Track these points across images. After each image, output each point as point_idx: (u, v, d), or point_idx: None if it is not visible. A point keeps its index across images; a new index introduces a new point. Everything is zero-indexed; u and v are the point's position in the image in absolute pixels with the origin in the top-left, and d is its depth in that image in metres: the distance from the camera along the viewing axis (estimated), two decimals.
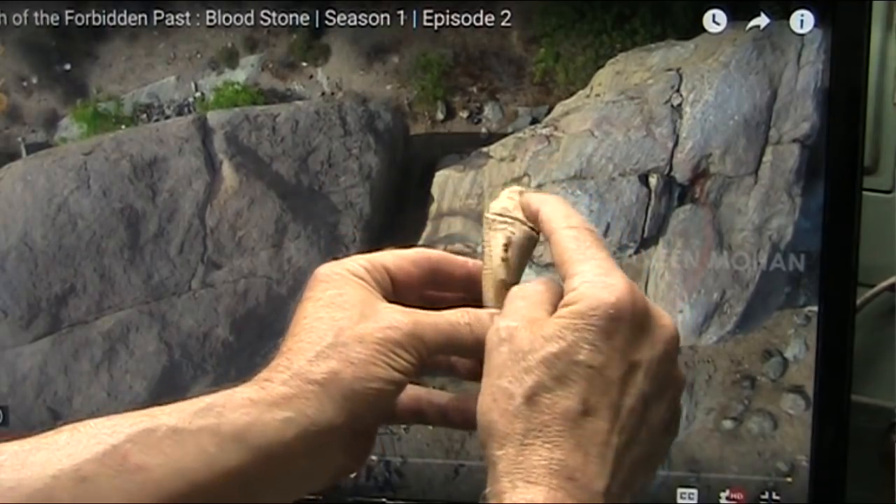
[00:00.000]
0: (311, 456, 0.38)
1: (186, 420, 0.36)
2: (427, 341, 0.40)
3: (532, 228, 0.44)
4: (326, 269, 0.42)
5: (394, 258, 0.44)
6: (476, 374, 0.42)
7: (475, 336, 0.41)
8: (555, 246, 0.41)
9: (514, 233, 0.44)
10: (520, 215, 0.45)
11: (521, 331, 0.38)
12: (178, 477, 0.35)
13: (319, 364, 0.38)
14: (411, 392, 0.44)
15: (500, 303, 0.43)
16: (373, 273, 0.43)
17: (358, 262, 0.43)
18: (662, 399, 0.39)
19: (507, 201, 0.45)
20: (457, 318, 0.42)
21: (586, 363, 0.37)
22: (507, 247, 0.44)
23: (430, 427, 0.74)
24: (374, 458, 0.75)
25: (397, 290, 0.44)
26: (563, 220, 0.41)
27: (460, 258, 0.45)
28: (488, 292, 0.44)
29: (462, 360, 0.45)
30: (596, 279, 0.38)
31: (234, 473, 0.36)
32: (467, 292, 0.44)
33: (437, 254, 0.45)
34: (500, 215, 0.45)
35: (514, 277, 0.44)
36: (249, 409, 0.37)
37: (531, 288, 0.41)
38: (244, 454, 0.36)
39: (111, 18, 0.73)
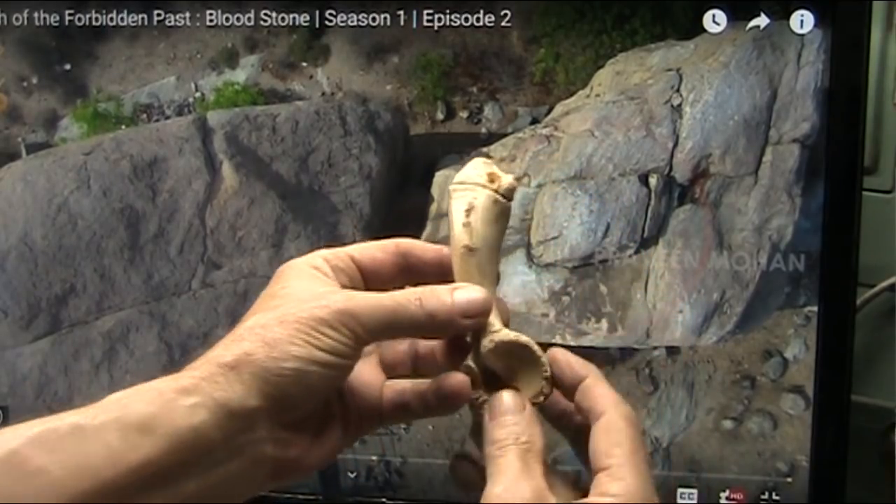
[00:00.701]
0: (230, 444, 0.36)
1: (89, 416, 0.34)
2: (363, 319, 0.38)
3: (501, 194, 0.42)
4: (284, 266, 0.41)
5: (361, 247, 0.43)
6: (434, 361, 0.42)
7: (427, 311, 0.39)
8: (599, 432, 0.39)
9: (476, 197, 0.42)
10: (483, 181, 0.42)
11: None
12: (81, 475, 0.33)
13: (232, 347, 0.37)
14: (397, 387, 0.43)
15: (464, 273, 0.41)
16: (333, 262, 0.41)
17: (319, 254, 0.41)
18: None
19: (470, 171, 0.43)
20: (405, 294, 0.40)
21: None
22: (468, 211, 0.41)
23: (431, 427, 0.74)
24: (374, 458, 0.75)
25: (369, 280, 0.42)
26: (615, 406, 0.39)
27: (433, 245, 0.44)
28: (455, 264, 0.42)
29: (424, 351, 0.43)
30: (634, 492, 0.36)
31: (141, 465, 0.34)
32: (442, 278, 0.42)
33: (407, 241, 0.44)
34: (462, 183, 0.42)
35: (479, 242, 0.41)
36: (155, 398, 0.35)
37: (527, 449, 0.39)
38: (151, 445, 0.34)
39: (111, 18, 0.73)
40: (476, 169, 0.43)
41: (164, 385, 0.35)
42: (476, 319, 0.40)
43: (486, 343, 0.41)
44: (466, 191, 0.42)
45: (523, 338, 0.41)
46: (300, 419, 0.39)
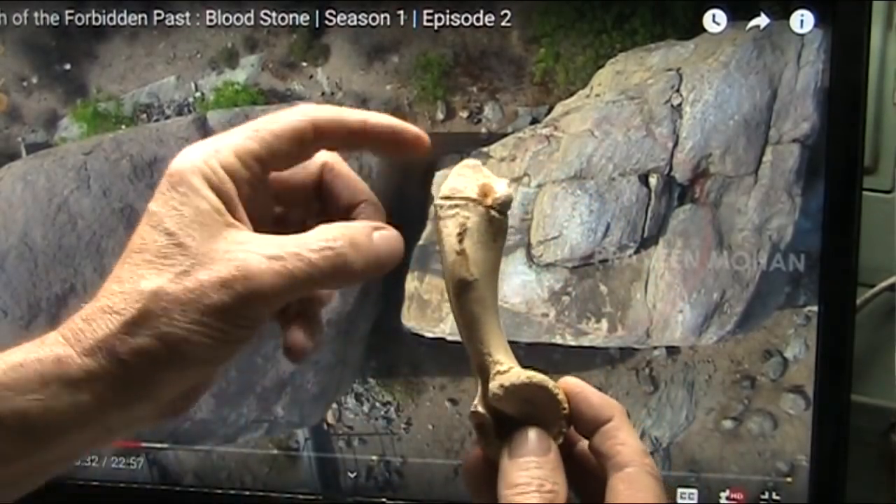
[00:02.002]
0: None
1: None
2: (272, 299, 0.33)
3: (497, 210, 0.35)
4: (178, 173, 0.34)
5: (261, 138, 0.35)
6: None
7: (348, 266, 0.34)
8: (620, 484, 0.34)
9: (468, 216, 0.35)
10: (474, 194, 0.35)
11: None
12: None
13: (128, 340, 0.33)
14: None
15: (461, 310, 0.35)
16: (236, 176, 0.35)
17: (220, 165, 0.34)
18: None
19: (458, 181, 0.36)
20: (320, 247, 0.34)
21: None
22: (461, 236, 0.35)
23: (431, 427, 0.74)
24: (374, 458, 0.75)
25: (278, 184, 0.37)
26: (640, 457, 0.35)
27: (353, 111, 0.37)
28: (451, 300, 0.36)
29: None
30: None
31: None
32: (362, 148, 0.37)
33: (318, 114, 0.37)
34: (449, 198, 0.36)
35: (477, 272, 0.35)
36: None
37: (551, 500, 0.34)
38: None
39: (111, 18, 0.73)
40: (464, 179, 0.36)
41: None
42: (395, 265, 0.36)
43: (495, 388, 0.36)
44: (456, 208, 0.35)
45: (537, 377, 0.36)
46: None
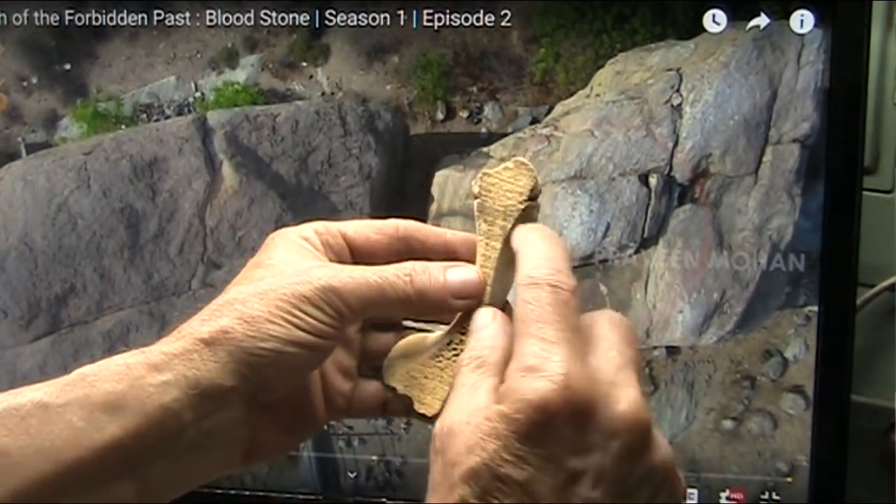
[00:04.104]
0: (202, 424, 0.34)
1: (54, 394, 0.33)
2: (346, 296, 0.35)
3: (529, 197, 0.38)
4: (275, 234, 0.39)
5: (356, 225, 0.40)
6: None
7: (417, 288, 0.37)
8: (515, 305, 0.35)
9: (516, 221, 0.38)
10: (520, 188, 0.38)
11: (452, 437, 0.32)
12: (43, 457, 0.31)
13: (210, 322, 0.35)
14: (376, 383, 0.40)
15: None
16: (324, 236, 0.39)
17: (311, 226, 0.39)
18: (634, 496, 0.32)
19: (504, 177, 0.39)
20: (394, 270, 0.37)
21: (510, 478, 0.30)
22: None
23: (431, 427, 0.74)
24: (374, 458, 0.75)
25: (360, 259, 0.39)
26: (529, 270, 0.35)
27: (437, 228, 0.41)
28: (494, 299, 0.38)
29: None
30: (528, 367, 0.32)
31: (107, 447, 0.32)
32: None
33: (407, 223, 0.40)
34: (489, 191, 0.38)
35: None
36: (123, 375, 0.33)
37: (477, 365, 0.34)
38: (117, 425, 0.32)
39: (111, 18, 0.73)
40: (510, 174, 0.39)
41: (134, 360, 0.34)
42: (468, 301, 0.37)
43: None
44: (510, 215, 0.38)
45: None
46: (276, 400, 0.37)
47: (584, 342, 0.34)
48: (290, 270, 0.36)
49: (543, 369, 0.32)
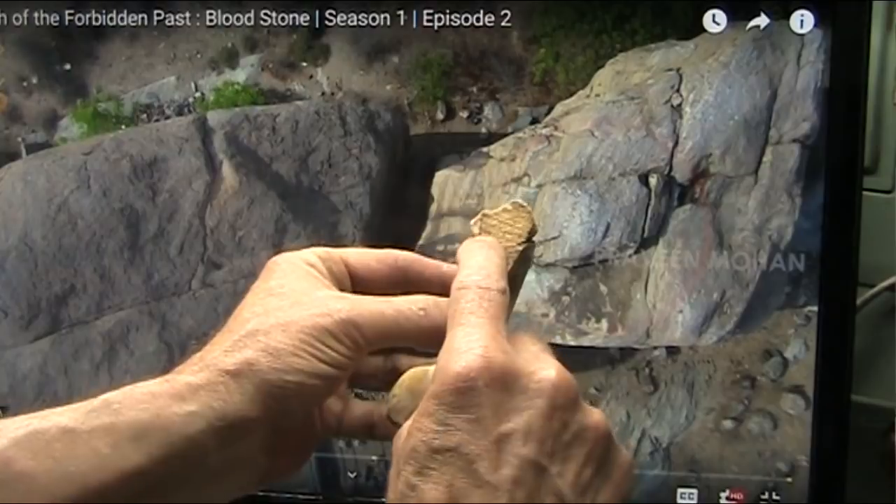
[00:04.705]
0: (224, 453, 0.35)
1: (79, 420, 0.33)
2: (364, 329, 0.37)
3: (527, 239, 0.41)
4: (278, 258, 0.40)
5: (356, 253, 0.41)
6: None
7: (432, 322, 0.38)
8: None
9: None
10: (518, 230, 0.41)
11: (399, 436, 0.34)
12: (68, 482, 0.32)
13: (234, 354, 0.35)
14: (365, 405, 0.42)
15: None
16: (328, 263, 0.40)
17: (314, 251, 0.40)
18: (569, 458, 0.34)
19: (500, 219, 0.41)
20: (408, 304, 0.38)
21: (443, 447, 0.32)
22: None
23: None
24: (374, 458, 0.75)
25: (358, 287, 0.40)
26: (462, 277, 0.38)
27: (434, 261, 0.42)
28: None
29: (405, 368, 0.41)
30: (452, 350, 0.34)
31: (132, 474, 0.32)
32: (441, 296, 0.40)
33: (406, 254, 0.42)
34: (488, 232, 0.41)
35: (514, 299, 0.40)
36: (149, 403, 0.33)
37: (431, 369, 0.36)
38: (142, 454, 0.33)
39: (111, 18, 0.73)
40: (503, 216, 0.41)
41: (159, 389, 0.34)
42: None
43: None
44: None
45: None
46: (292, 428, 0.37)
47: (509, 341, 0.36)
48: (306, 301, 0.37)
49: (465, 346, 0.34)
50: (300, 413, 0.37)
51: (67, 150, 0.75)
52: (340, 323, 0.36)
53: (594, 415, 0.35)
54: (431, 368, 0.37)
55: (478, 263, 0.38)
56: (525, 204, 0.41)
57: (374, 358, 0.42)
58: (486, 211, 0.41)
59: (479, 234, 0.41)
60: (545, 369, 0.34)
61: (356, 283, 0.41)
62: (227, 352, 0.36)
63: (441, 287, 0.40)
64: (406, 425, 0.34)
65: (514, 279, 0.40)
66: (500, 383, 0.33)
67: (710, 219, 0.70)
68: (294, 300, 0.37)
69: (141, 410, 0.33)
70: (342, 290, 0.40)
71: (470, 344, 0.34)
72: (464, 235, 0.73)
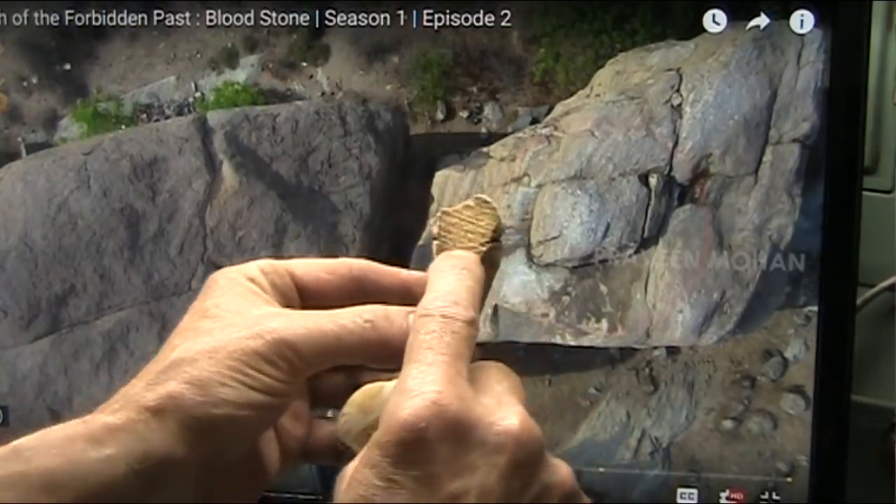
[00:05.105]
0: (151, 498, 0.31)
1: None
2: (301, 349, 0.33)
3: (492, 238, 0.36)
4: (217, 274, 0.36)
5: (304, 264, 0.37)
6: None
7: (381, 335, 0.34)
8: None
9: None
10: (482, 228, 0.36)
11: (340, 482, 0.31)
12: None
13: (156, 388, 0.31)
14: (331, 427, 0.38)
15: None
16: (271, 276, 0.36)
17: (257, 265, 0.36)
18: None
19: (459, 217, 0.37)
20: (351, 317, 0.34)
21: None
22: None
23: None
24: None
25: (309, 301, 0.37)
26: (426, 302, 0.34)
27: (392, 268, 0.38)
28: None
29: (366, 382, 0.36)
30: (402, 391, 0.30)
31: None
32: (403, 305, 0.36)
33: (360, 262, 0.38)
34: (449, 231, 0.37)
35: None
36: (63, 449, 0.30)
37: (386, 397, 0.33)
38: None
39: (111, 18, 0.73)
40: (465, 213, 0.37)
41: (75, 431, 0.30)
42: None
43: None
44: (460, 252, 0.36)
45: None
46: (230, 464, 0.33)
47: (472, 378, 0.33)
48: (239, 321, 0.33)
49: (416, 389, 0.30)
50: (237, 447, 0.33)
51: (67, 150, 0.75)
52: (272, 344, 0.32)
53: (559, 471, 0.32)
54: (390, 384, 0.34)
55: (446, 287, 0.34)
56: (489, 200, 0.37)
57: (335, 375, 0.38)
58: (445, 208, 0.37)
59: (439, 233, 0.37)
60: (507, 418, 0.30)
61: (305, 297, 0.37)
62: (149, 386, 0.32)
63: (401, 296, 0.36)
64: (349, 468, 0.31)
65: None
66: (454, 434, 0.29)
67: (710, 219, 0.70)
68: (228, 322, 0.33)
69: (54, 457, 0.30)
70: (289, 305, 0.36)
71: (422, 386, 0.30)
72: None
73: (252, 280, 0.36)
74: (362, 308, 0.35)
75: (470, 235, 0.37)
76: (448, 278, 0.35)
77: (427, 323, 0.33)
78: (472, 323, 0.33)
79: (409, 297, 0.36)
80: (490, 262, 0.36)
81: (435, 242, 0.37)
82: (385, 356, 0.34)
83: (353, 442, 0.34)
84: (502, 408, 0.31)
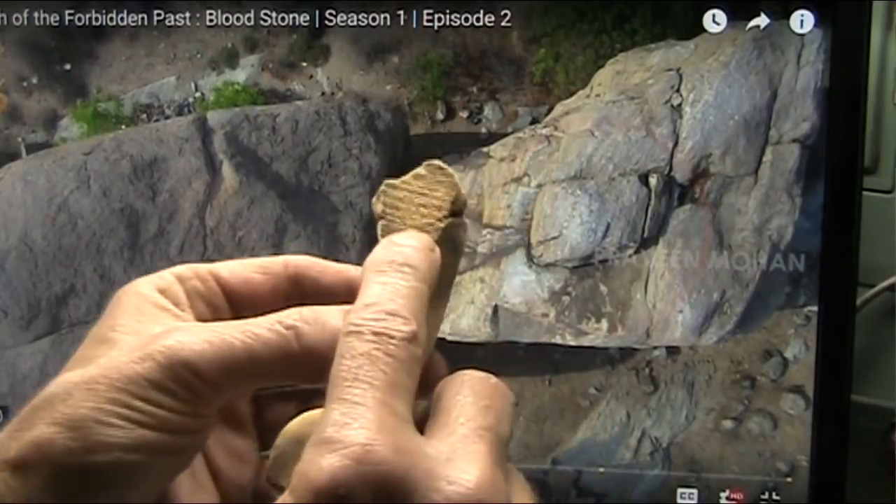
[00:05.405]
0: None
1: None
2: (203, 370, 0.26)
3: (451, 213, 0.29)
4: (122, 290, 0.30)
5: (232, 266, 0.31)
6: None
7: (309, 346, 0.27)
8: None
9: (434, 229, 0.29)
10: (437, 200, 0.29)
11: None
12: None
13: (21, 434, 0.25)
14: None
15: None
16: (189, 283, 0.30)
17: (171, 271, 0.31)
18: None
19: (414, 185, 0.30)
20: (270, 323, 0.27)
21: None
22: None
23: None
24: None
25: (239, 308, 0.30)
26: (355, 311, 0.26)
27: (338, 264, 0.31)
28: None
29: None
30: (321, 440, 0.23)
31: None
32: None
33: (300, 258, 0.31)
34: (396, 207, 0.29)
35: (436, 289, 0.28)
36: None
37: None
38: None
39: (111, 18, 0.73)
40: (424, 180, 0.30)
41: None
42: None
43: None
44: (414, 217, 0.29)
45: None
46: None
47: (435, 411, 0.26)
48: (133, 343, 0.27)
49: (338, 440, 0.23)
50: (133, 500, 0.26)
51: (67, 150, 0.75)
52: (165, 367, 0.26)
53: None
54: None
55: (380, 291, 0.26)
56: (444, 165, 0.30)
57: (285, 405, 0.31)
58: (390, 180, 0.30)
59: (384, 212, 0.30)
60: (455, 483, 0.23)
61: (236, 304, 0.31)
62: (13, 433, 0.25)
63: (348, 298, 0.28)
64: None
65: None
66: (386, 501, 0.23)
67: (710, 219, 0.70)
68: (123, 345, 0.27)
69: None
70: (216, 317, 0.30)
71: (344, 435, 0.23)
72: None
73: (163, 291, 0.30)
74: (286, 312, 0.27)
75: (423, 210, 0.29)
76: (383, 278, 0.27)
77: (353, 344, 0.25)
78: (414, 339, 0.26)
79: (356, 298, 0.28)
80: (451, 244, 0.29)
81: (380, 223, 0.30)
82: (318, 372, 0.26)
83: (286, 481, 0.25)
84: (457, 460, 0.24)
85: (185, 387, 0.26)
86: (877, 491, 0.73)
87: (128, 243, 0.74)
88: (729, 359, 0.72)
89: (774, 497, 0.71)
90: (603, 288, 0.71)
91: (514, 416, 0.27)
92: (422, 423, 0.26)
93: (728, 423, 0.72)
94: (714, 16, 0.68)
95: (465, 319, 0.72)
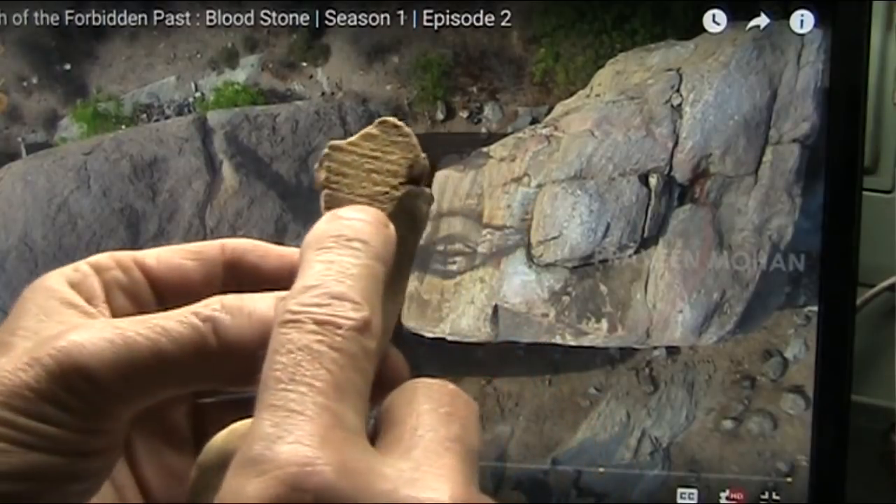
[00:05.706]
0: None
1: None
2: (96, 372, 0.21)
3: (408, 178, 0.24)
4: (30, 287, 0.25)
5: (161, 252, 0.27)
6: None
7: (230, 342, 0.22)
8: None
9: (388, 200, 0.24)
10: (392, 165, 0.24)
11: None
12: None
13: None
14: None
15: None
16: (110, 274, 0.26)
17: (89, 262, 0.26)
18: None
19: (363, 144, 0.24)
20: (181, 315, 0.23)
21: None
22: None
23: None
24: None
25: (168, 298, 0.26)
26: (292, 296, 0.21)
27: (280, 248, 0.27)
28: None
29: None
30: (248, 459, 0.19)
31: None
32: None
33: (239, 241, 0.27)
34: (343, 174, 0.24)
35: (391, 267, 0.24)
36: None
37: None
38: None
39: (111, 18, 0.73)
40: (374, 140, 0.25)
41: None
42: None
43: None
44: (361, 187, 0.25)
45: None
46: None
47: (385, 425, 0.21)
48: (28, 348, 0.23)
49: (268, 460, 0.18)
50: None
51: (67, 150, 0.75)
52: (54, 374, 0.21)
53: None
54: None
55: (323, 270, 0.22)
56: (400, 123, 0.25)
57: (231, 416, 0.25)
58: (335, 142, 0.25)
59: (327, 180, 0.24)
60: (434, 492, 0.19)
61: (162, 294, 0.26)
62: None
63: (288, 280, 0.23)
64: None
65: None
66: None
67: (710, 219, 0.70)
68: (20, 350, 0.23)
69: None
70: (140, 310, 0.25)
71: (276, 453, 0.18)
72: (464, 235, 0.73)
73: (76, 285, 0.25)
74: (206, 301, 0.23)
75: (375, 177, 0.24)
76: (327, 255, 0.22)
77: (289, 336, 0.20)
78: (366, 327, 0.21)
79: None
80: (409, 217, 0.25)
81: (323, 194, 0.25)
82: (244, 372, 0.22)
83: (211, 500, 0.20)
84: (423, 479, 0.19)
85: (79, 397, 0.21)
86: (877, 491, 0.73)
87: (128, 243, 0.74)
88: (729, 359, 0.72)
89: (774, 497, 0.71)
90: (603, 288, 0.71)
91: (480, 428, 0.22)
92: (371, 440, 0.21)
93: (728, 423, 0.72)
94: (714, 16, 0.68)
95: (464, 319, 0.72)
